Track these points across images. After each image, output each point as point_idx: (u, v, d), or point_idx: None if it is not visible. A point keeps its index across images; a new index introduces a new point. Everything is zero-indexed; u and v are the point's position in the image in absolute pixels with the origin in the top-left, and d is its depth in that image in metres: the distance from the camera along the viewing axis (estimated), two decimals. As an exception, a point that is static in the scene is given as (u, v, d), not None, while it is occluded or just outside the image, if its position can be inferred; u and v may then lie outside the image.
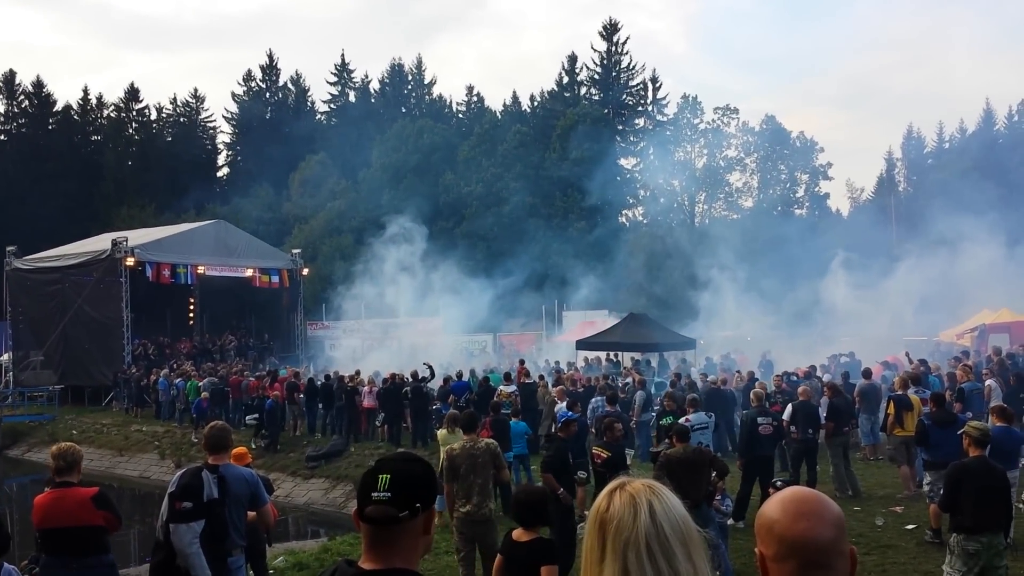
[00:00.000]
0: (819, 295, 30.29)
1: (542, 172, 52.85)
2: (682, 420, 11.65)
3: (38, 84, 64.35)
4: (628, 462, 10.70)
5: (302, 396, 23.04)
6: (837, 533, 1.81)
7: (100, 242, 34.19)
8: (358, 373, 23.23)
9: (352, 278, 35.52)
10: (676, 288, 37.41)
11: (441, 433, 12.46)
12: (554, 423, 15.88)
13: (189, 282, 35.34)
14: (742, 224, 48.51)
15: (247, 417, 23.27)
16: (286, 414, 23.03)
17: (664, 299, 38.76)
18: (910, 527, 10.83)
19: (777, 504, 1.87)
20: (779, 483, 8.42)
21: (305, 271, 39.22)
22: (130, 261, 31.03)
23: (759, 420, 11.87)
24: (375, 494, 2.15)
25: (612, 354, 26.34)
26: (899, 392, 13.14)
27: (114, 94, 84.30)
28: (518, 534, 5.38)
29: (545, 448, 11.12)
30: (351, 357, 31.01)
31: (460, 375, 22.00)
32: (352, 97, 72.37)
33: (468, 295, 33.52)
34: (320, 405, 22.93)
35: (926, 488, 10.49)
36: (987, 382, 15.05)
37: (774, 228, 42.32)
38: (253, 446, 21.64)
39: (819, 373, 19.98)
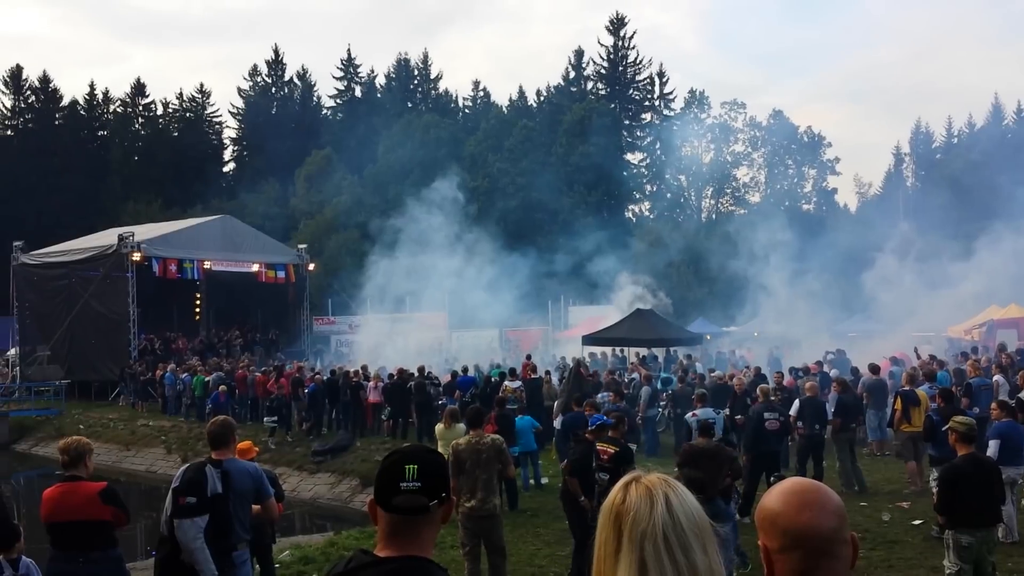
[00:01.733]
0: (871, 286, 28.89)
1: (549, 167, 52.79)
2: (688, 415, 11.65)
3: (44, 79, 64.48)
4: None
5: (307, 391, 23.02)
6: (839, 522, 1.85)
7: (106, 237, 34.23)
8: (365, 368, 23.23)
9: (384, 249, 34.34)
10: (721, 277, 36.95)
11: (439, 428, 12.42)
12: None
13: (195, 277, 35.40)
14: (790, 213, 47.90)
15: (266, 420, 23.18)
16: (292, 409, 23.05)
17: (709, 292, 38.45)
18: (916, 522, 10.83)
19: (778, 496, 1.89)
20: (772, 478, 8.45)
21: (311, 266, 39.23)
22: (136, 256, 31.05)
23: (766, 416, 11.85)
24: (404, 484, 2.15)
25: (618, 349, 26.35)
26: (906, 388, 13.11)
27: (120, 89, 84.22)
28: None
29: (571, 451, 10.93)
30: (359, 352, 30.94)
31: (466, 370, 22.01)
32: (358, 92, 72.32)
33: (475, 290, 33.40)
34: (326, 400, 22.95)
35: (932, 484, 10.45)
36: (995, 377, 15.00)
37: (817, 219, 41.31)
38: (272, 446, 21.64)
39: (825, 369, 19.91)
